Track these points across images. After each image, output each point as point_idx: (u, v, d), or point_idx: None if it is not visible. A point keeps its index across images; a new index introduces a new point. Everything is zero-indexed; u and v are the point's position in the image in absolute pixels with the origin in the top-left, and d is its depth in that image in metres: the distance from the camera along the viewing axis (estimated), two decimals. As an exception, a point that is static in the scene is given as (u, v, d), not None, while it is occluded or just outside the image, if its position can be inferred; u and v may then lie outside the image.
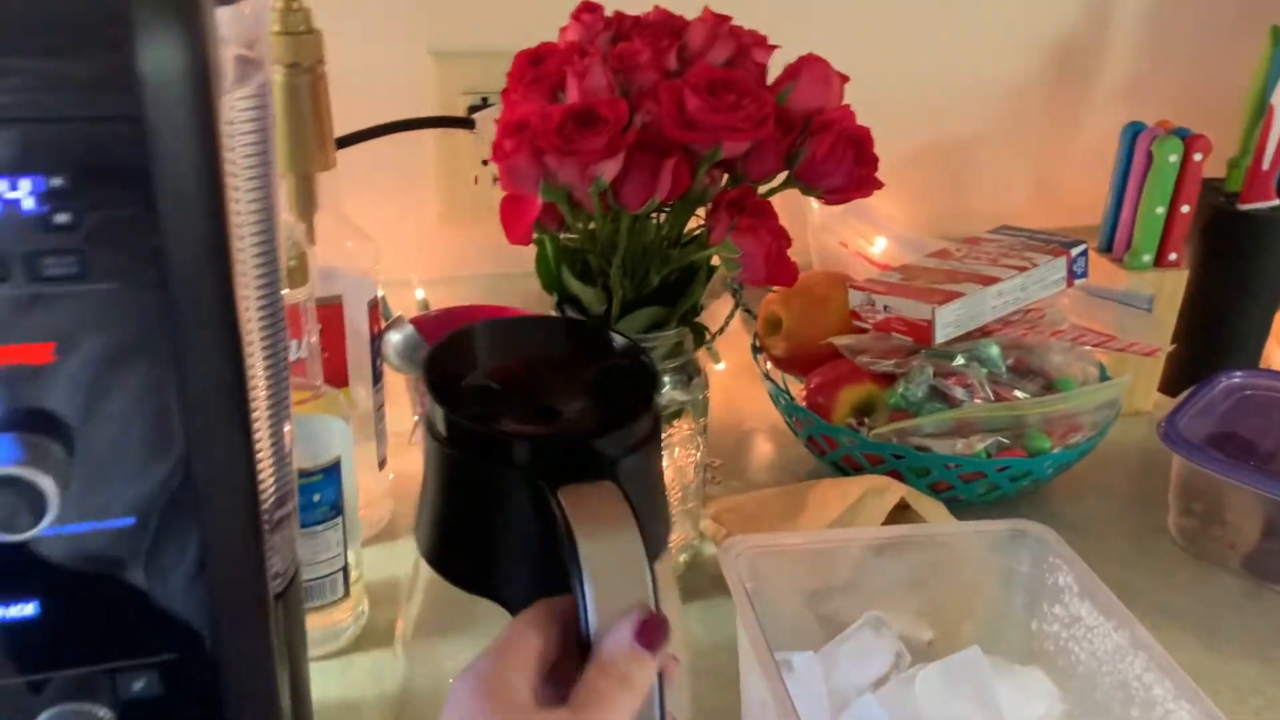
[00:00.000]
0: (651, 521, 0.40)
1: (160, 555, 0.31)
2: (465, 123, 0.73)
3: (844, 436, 0.72)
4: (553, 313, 0.62)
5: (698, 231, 0.59)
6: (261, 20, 0.34)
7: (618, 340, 0.45)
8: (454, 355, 0.44)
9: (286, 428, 0.39)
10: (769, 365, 0.83)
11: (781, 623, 0.56)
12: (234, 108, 0.31)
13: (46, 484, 0.28)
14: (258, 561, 0.33)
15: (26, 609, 0.31)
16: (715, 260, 0.59)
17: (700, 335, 0.61)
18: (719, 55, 0.56)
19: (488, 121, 0.74)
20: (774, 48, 0.58)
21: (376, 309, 0.67)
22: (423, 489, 0.43)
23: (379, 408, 0.70)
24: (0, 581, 0.30)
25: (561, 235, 0.59)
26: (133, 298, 0.28)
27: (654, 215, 0.57)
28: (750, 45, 0.57)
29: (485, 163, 0.82)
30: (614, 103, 0.50)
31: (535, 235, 0.57)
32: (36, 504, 0.28)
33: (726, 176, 0.56)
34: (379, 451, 0.71)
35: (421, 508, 0.43)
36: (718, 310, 0.69)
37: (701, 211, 0.58)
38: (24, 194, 0.26)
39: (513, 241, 0.55)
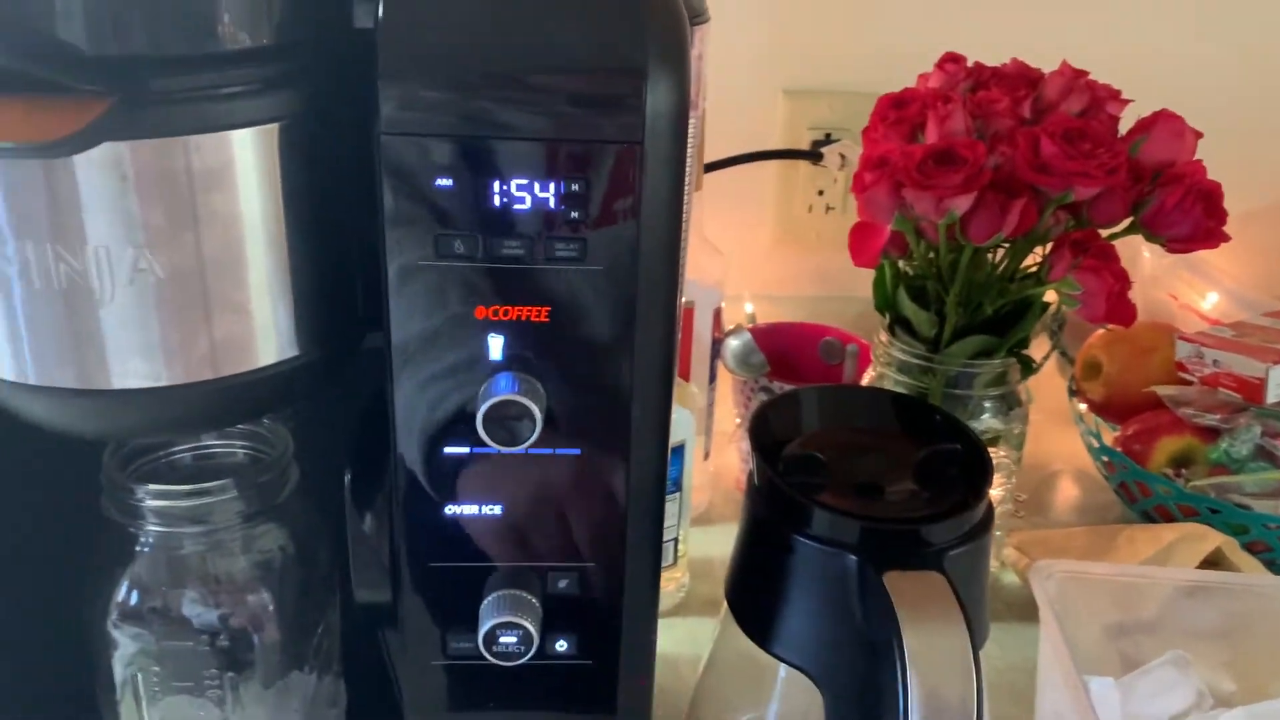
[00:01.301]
0: (976, 614, 0.41)
1: (592, 483, 0.40)
2: (814, 155, 0.80)
3: (1160, 485, 0.73)
4: (880, 341, 0.67)
5: (1032, 269, 0.62)
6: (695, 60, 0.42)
7: (948, 422, 0.47)
8: (781, 414, 0.48)
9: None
10: (1083, 408, 0.84)
11: (1080, 651, 0.58)
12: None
13: (536, 411, 0.36)
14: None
15: (495, 509, 0.40)
16: (1048, 297, 0.63)
17: (1027, 367, 0.65)
18: (1074, 106, 0.60)
19: (833, 155, 0.81)
20: (1127, 102, 0.61)
21: (720, 316, 0.75)
22: (739, 541, 0.48)
23: (709, 405, 0.78)
24: (480, 486, 0.39)
25: (901, 262, 0.64)
26: (611, 279, 0.36)
27: (992, 250, 0.62)
28: (1105, 98, 0.61)
29: (820, 193, 0.89)
30: (973, 144, 0.55)
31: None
32: (528, 426, 0.37)
33: (1070, 219, 0.59)
34: (705, 444, 0.79)
35: (734, 561, 0.48)
36: (1032, 351, 0.72)
37: (1038, 250, 0.62)
38: (550, 195, 0.35)
39: (859, 264, 0.62)
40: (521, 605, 0.40)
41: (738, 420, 0.82)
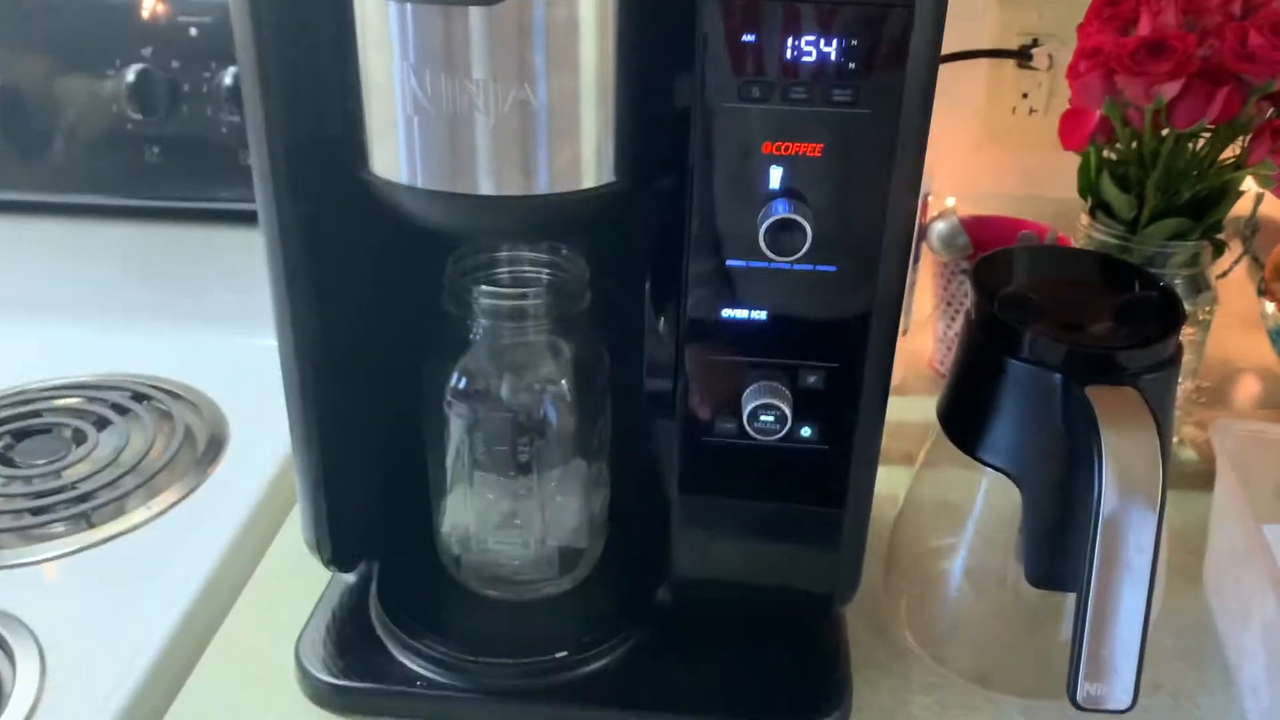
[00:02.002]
0: (1164, 430, 0.48)
1: (843, 295, 0.49)
2: (1023, 55, 0.86)
3: (1342, 373, 0.77)
4: (1080, 224, 0.73)
5: (1229, 159, 0.67)
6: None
7: (1145, 277, 0.55)
8: (999, 266, 0.57)
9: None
10: (1271, 307, 0.88)
11: (1253, 505, 0.65)
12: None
13: (808, 228, 0.46)
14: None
15: (763, 314, 0.49)
16: (1244, 185, 0.68)
17: (1220, 249, 0.70)
18: (1283, 4, 0.64)
19: (1041, 56, 0.86)
20: (1338, 0, 0.65)
21: (927, 201, 0.83)
22: (955, 367, 0.56)
23: (910, 286, 0.86)
24: (753, 294, 0.49)
25: (1105, 150, 0.70)
26: (876, 121, 0.45)
27: (1193, 139, 0.67)
28: (1317, -4, 0.65)
29: (1025, 96, 0.94)
30: (1183, 36, 0.61)
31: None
32: (800, 239, 0.46)
33: (1272, 109, 0.64)
34: (905, 322, 0.87)
35: (950, 382, 0.56)
36: (1223, 262, 0.76)
37: (1236, 143, 0.67)
38: (833, 50, 0.44)
39: (1068, 147, 0.68)
40: (778, 393, 0.50)
41: (934, 308, 0.89)
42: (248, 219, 0.89)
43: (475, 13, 0.43)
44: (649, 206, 0.51)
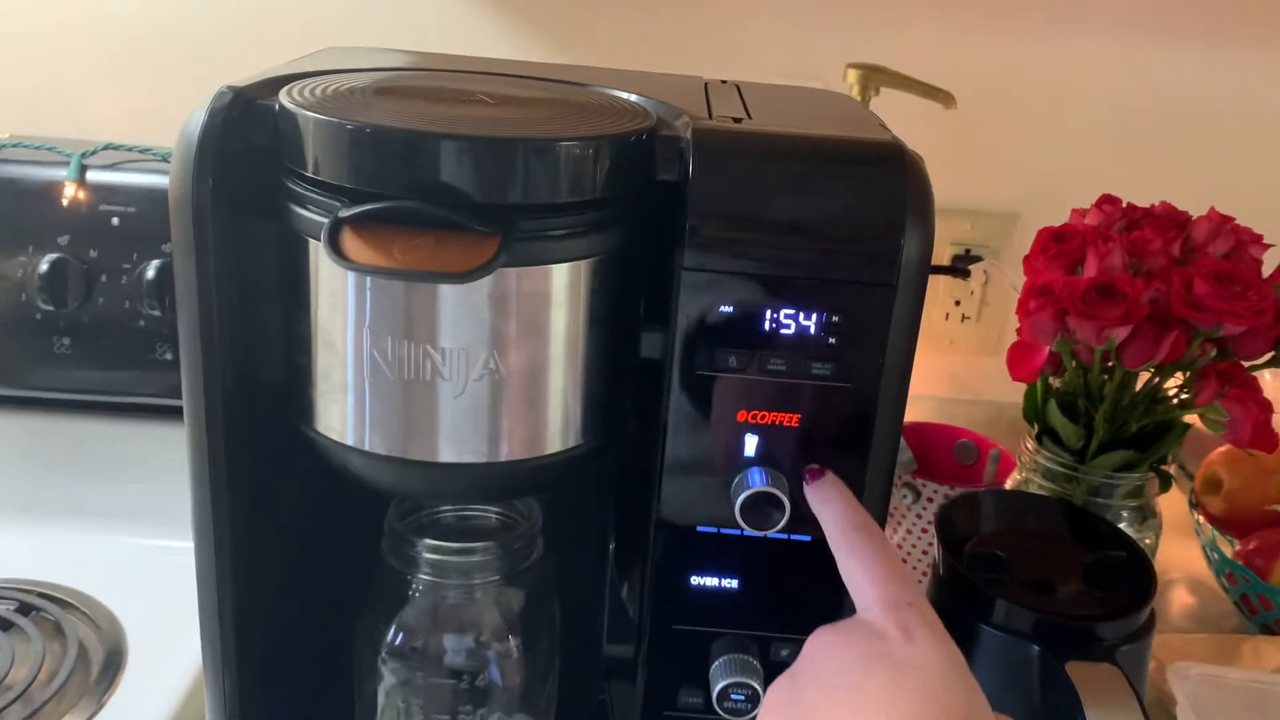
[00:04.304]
0: (1143, 708, 0.46)
1: (819, 566, 0.46)
2: (963, 272, 0.87)
3: (1282, 598, 0.77)
4: (1026, 448, 0.73)
5: (1173, 391, 0.68)
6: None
7: (1113, 532, 0.54)
8: (963, 513, 0.56)
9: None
10: (1201, 520, 0.89)
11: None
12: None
13: (786, 502, 0.43)
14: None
15: (733, 582, 0.47)
16: (1188, 419, 0.68)
17: (1166, 482, 0.70)
18: (1220, 248, 0.66)
19: (979, 273, 0.87)
20: (1269, 246, 0.67)
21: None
22: None
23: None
24: (723, 562, 0.46)
25: (1052, 378, 0.71)
26: (855, 395, 0.43)
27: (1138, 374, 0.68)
28: (1248, 242, 0.67)
29: (957, 303, 0.96)
30: (1131, 280, 0.62)
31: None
32: (778, 515, 0.44)
33: (1215, 350, 0.65)
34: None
35: None
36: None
37: (1178, 375, 0.68)
38: (813, 324, 0.42)
39: (1016, 378, 0.68)
40: (749, 668, 0.47)
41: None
42: (158, 413, 0.84)
43: (447, 287, 0.40)
44: (616, 459, 0.49)
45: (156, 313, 0.80)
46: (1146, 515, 0.72)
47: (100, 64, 0.95)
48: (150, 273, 0.79)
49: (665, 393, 0.44)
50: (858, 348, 0.43)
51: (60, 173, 0.80)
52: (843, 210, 0.42)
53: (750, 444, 0.44)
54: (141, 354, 0.81)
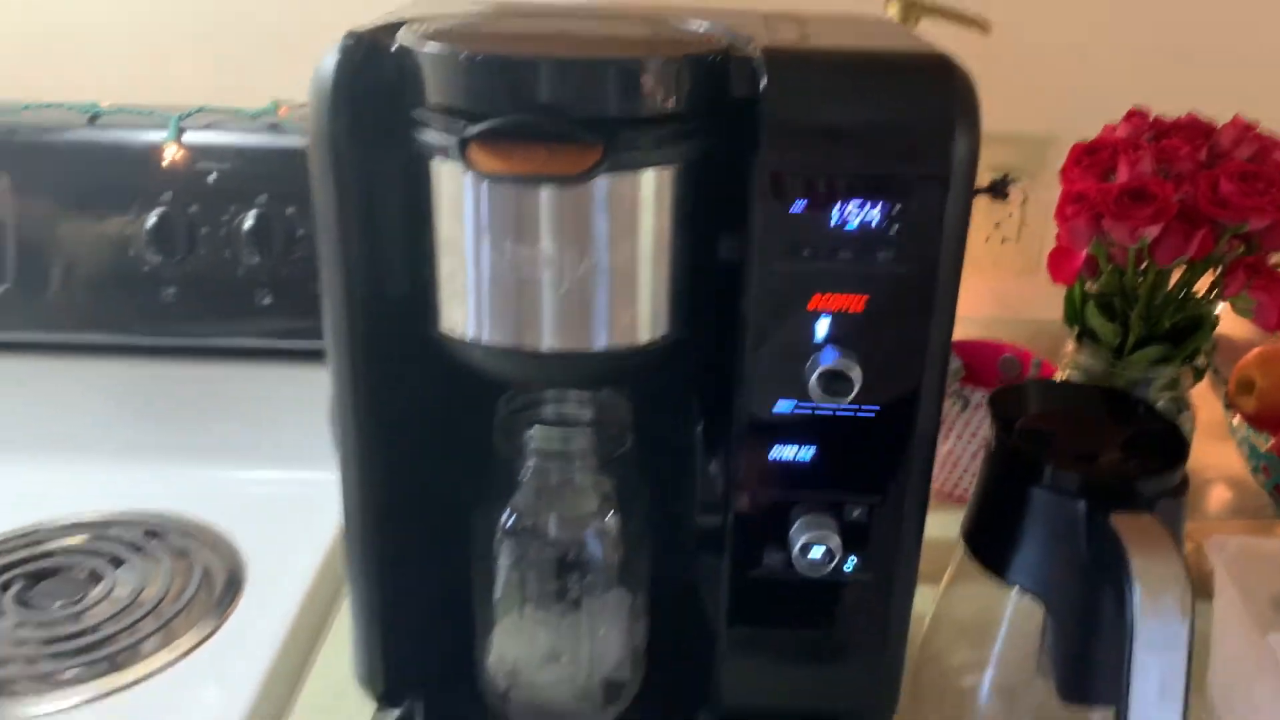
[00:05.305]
0: (1181, 554, 0.51)
1: (884, 434, 0.52)
2: (1001, 192, 0.92)
3: (1313, 484, 0.82)
4: (1066, 351, 0.78)
5: (1204, 289, 0.73)
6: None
7: (1148, 410, 0.59)
8: (1012, 400, 0.61)
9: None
10: (1236, 419, 0.94)
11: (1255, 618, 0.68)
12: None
13: (855, 377, 0.49)
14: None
15: (809, 452, 0.53)
16: (1221, 312, 0.73)
17: (1199, 374, 0.75)
18: (1244, 153, 0.71)
19: (1017, 192, 0.92)
20: (1291, 148, 0.72)
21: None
22: (978, 494, 0.60)
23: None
24: (800, 434, 0.52)
25: (1089, 281, 0.76)
26: (914, 279, 0.49)
27: (1171, 272, 0.73)
28: (1271, 147, 0.71)
29: (997, 226, 1.01)
30: (1161, 183, 0.67)
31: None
32: (847, 388, 0.50)
33: (1243, 246, 0.70)
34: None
35: (975, 507, 0.60)
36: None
37: (1209, 273, 0.73)
38: (876, 216, 0.48)
39: (1057, 281, 0.73)
40: (826, 527, 0.53)
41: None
42: (260, 355, 0.92)
43: (551, 190, 0.46)
44: (698, 354, 0.55)
45: (256, 259, 0.87)
46: (1182, 407, 0.77)
47: (188, 34, 1.02)
48: (247, 223, 0.86)
49: (745, 286, 0.50)
50: (916, 236, 0.48)
51: (159, 135, 0.87)
52: (899, 114, 0.47)
53: (822, 327, 0.50)
54: (242, 300, 0.88)
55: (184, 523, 0.87)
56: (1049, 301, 0.81)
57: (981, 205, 1.00)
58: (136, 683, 0.71)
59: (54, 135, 0.88)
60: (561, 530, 0.59)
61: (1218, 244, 0.68)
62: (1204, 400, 0.99)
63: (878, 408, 0.52)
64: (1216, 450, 0.97)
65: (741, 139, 0.48)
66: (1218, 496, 0.95)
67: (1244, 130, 0.71)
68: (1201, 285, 0.74)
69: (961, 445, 0.89)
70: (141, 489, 0.90)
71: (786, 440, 0.52)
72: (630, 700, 0.63)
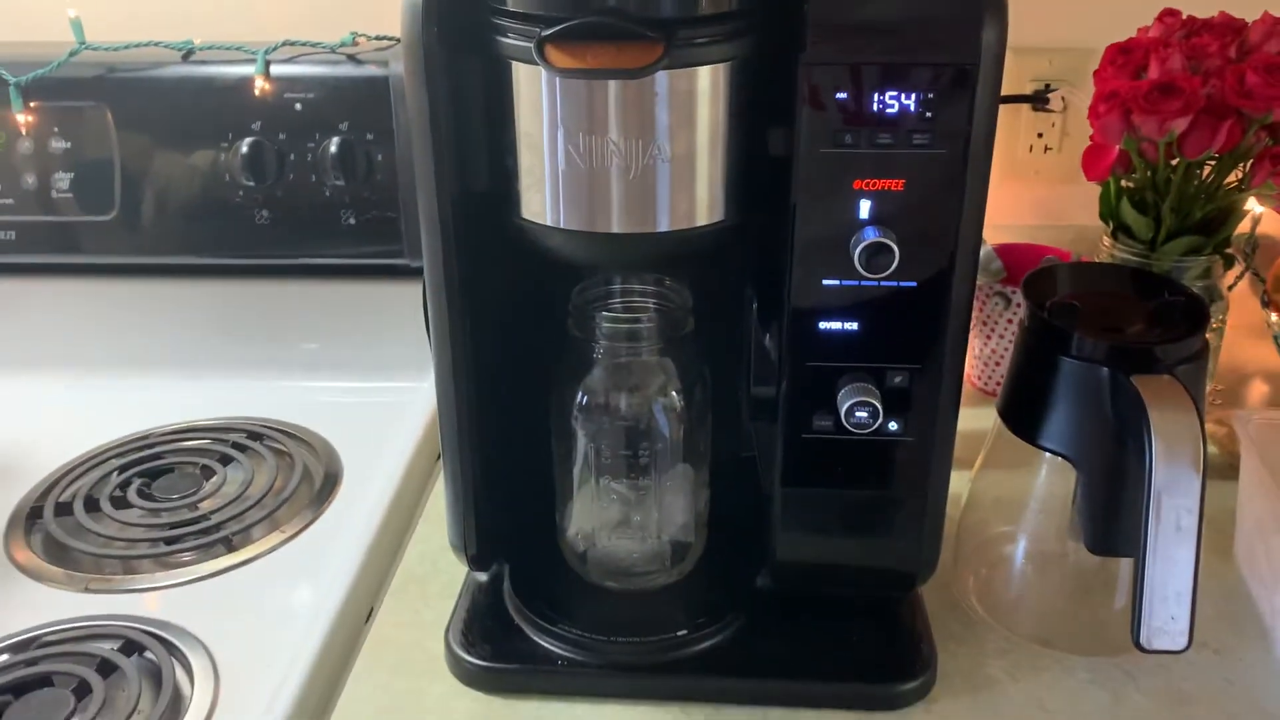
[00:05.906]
0: (1199, 412, 0.56)
1: (922, 306, 0.58)
2: (1041, 99, 0.95)
3: (1344, 370, 0.86)
4: (1103, 246, 0.83)
5: (1233, 183, 0.77)
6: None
7: (1172, 284, 0.64)
8: (1044, 281, 0.66)
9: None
10: (1274, 317, 0.97)
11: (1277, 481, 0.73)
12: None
13: (895, 249, 0.55)
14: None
15: (854, 324, 0.58)
16: (1246, 205, 0.77)
17: (1230, 262, 0.79)
18: (1273, 47, 0.74)
19: (1057, 100, 0.96)
20: (1320, 43, 0.75)
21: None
22: (1012, 369, 0.66)
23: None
24: (846, 307, 0.58)
25: (1123, 179, 0.80)
26: (951, 159, 0.54)
27: (1201, 166, 0.76)
28: (1300, 41, 0.75)
29: (1039, 135, 1.04)
30: (1189, 78, 0.71)
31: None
32: (888, 260, 0.55)
33: (1269, 138, 0.74)
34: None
35: (1009, 382, 0.66)
36: (1229, 277, 0.85)
37: (1239, 167, 0.76)
38: (913, 102, 0.53)
39: (1091, 178, 0.77)
40: (869, 392, 0.59)
41: (973, 326, 0.98)
42: (348, 273, 0.99)
43: (618, 84, 0.52)
44: (751, 239, 0.61)
45: (340, 182, 0.93)
46: (1214, 297, 0.81)
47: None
48: (332, 149, 0.93)
49: (795, 170, 0.55)
50: (949, 119, 0.53)
51: (248, 69, 0.94)
52: (932, 6, 0.52)
53: (865, 207, 0.56)
54: (330, 221, 0.96)
55: (285, 426, 0.95)
56: (1090, 209, 0.85)
57: (1024, 118, 1.04)
58: (249, 561, 0.79)
59: (151, 72, 0.95)
60: (630, 406, 0.65)
61: (1245, 136, 0.72)
62: (1244, 301, 1.02)
63: (915, 283, 0.57)
64: (1254, 348, 1.00)
65: (789, 37, 0.53)
66: (1256, 390, 0.99)
67: (1274, 25, 0.75)
68: (1233, 179, 0.78)
69: (1004, 345, 0.93)
70: (239, 397, 0.98)
71: (834, 314, 0.58)
72: (695, 561, 0.70)
